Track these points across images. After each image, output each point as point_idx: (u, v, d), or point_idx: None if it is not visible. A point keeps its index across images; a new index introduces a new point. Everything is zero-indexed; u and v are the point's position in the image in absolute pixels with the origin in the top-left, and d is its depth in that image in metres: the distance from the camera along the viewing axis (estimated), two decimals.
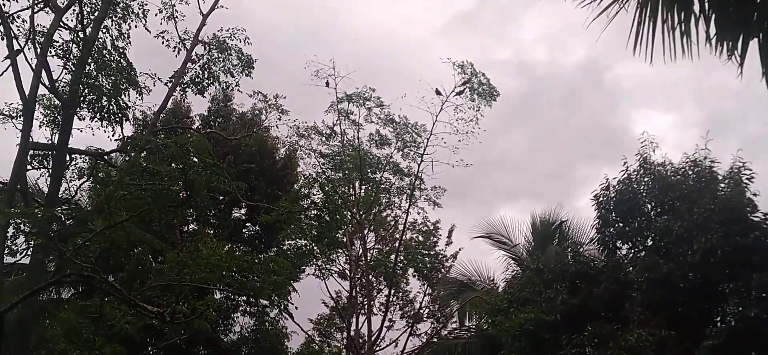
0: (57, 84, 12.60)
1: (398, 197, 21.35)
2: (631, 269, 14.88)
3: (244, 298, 18.91)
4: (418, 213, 21.44)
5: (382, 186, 20.39)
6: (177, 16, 15.59)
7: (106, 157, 15.23)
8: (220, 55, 16.20)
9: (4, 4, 12.16)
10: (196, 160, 11.59)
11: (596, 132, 38.31)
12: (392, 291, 19.66)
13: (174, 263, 11.59)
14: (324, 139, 20.35)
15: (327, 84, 19.52)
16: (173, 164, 11.39)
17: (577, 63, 37.89)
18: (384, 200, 21.48)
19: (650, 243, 14.94)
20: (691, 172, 14.74)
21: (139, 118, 19.20)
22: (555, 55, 38.10)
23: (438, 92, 19.35)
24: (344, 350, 19.68)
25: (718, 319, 13.24)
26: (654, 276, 13.28)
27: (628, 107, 39.07)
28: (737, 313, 12.41)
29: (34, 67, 12.09)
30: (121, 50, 13.30)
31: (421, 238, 21.30)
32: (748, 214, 13.30)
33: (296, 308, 18.80)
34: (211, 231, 21.38)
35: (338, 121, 19.91)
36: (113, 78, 13.02)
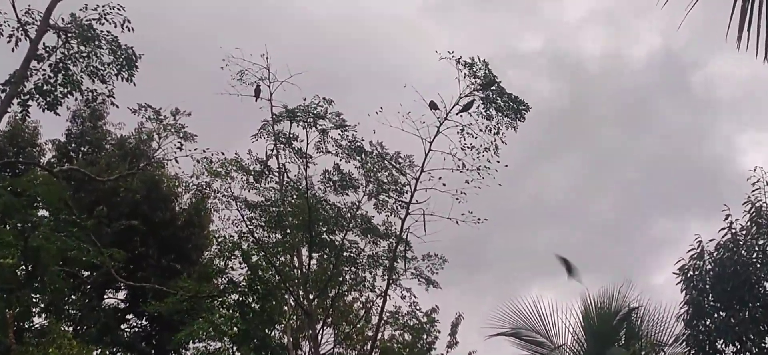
0: None
1: (371, 272, 21.19)
2: None
3: None
4: (403, 296, 21.24)
5: (346, 254, 20.38)
6: None
7: None
8: (83, 47, 15.50)
9: None
10: (45, 214, 10.56)
11: (680, 165, 37.90)
12: None
13: None
14: (252, 179, 20.25)
15: (256, 92, 20.00)
16: (6, 224, 10.43)
17: (647, 58, 38.01)
18: (348, 277, 21.26)
19: None
20: None
21: None
22: (613, 44, 38.64)
23: (434, 106, 19.21)
24: None
25: None
26: None
27: (730, 127, 39.23)
28: None
29: None
30: None
31: (407, 337, 21.15)
32: None
33: None
34: (71, 327, 21.20)
35: (275, 152, 20.02)
36: None
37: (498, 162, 19.51)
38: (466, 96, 19.39)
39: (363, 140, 20.15)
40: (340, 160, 20.34)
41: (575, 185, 37.39)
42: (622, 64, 34.87)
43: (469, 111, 19.61)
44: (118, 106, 17.21)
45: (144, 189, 22.48)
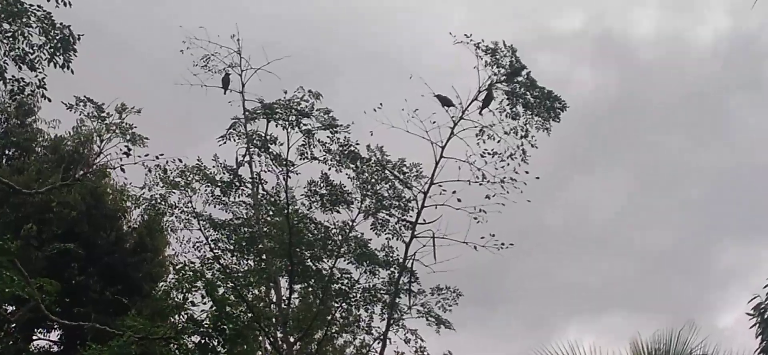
0: None
1: (367, 309, 21.33)
2: None
3: None
4: (408, 340, 21.37)
5: (336, 286, 20.70)
6: None
7: None
8: (7, 26, 15.69)
9: None
10: None
11: (754, 180, 36.94)
12: None
13: None
14: (218, 192, 20.55)
15: (224, 83, 20.53)
16: None
17: (713, 43, 37.13)
18: (339, 315, 21.41)
19: None
20: None
21: None
22: (671, 26, 38.15)
23: (446, 103, 19.50)
24: None
25: None
26: None
27: None
28: None
29: None
30: None
31: None
32: None
33: None
34: None
35: (247, 158, 20.33)
36: None
37: (526, 173, 19.60)
38: (487, 89, 19.58)
39: (358, 144, 20.22)
40: (330, 168, 20.46)
41: (623, 203, 37.42)
42: (683, 50, 34.53)
43: (491, 108, 19.82)
44: (50, 100, 17.00)
45: (83, 204, 22.24)
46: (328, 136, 20.17)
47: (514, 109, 19.83)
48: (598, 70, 35.10)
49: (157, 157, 18.85)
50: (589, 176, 35.88)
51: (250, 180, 20.85)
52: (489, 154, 19.72)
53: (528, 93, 19.76)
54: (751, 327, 17.01)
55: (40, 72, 16.23)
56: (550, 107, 19.73)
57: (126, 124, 18.42)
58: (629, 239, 37.92)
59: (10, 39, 16.00)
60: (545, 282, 34.92)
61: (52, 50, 16.07)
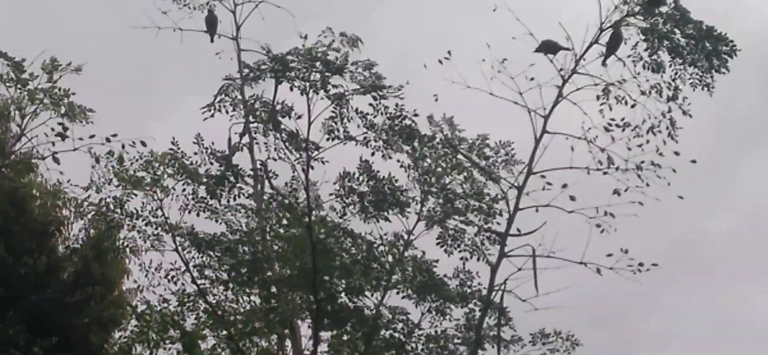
0: None
1: None
2: None
3: None
4: None
5: (384, 333, 19.95)
6: None
7: None
8: None
9: None
10: None
11: None
12: None
13: None
14: (203, 192, 19.69)
15: (209, 24, 20.14)
16: None
17: None
18: None
19: None
20: None
21: None
22: None
23: (550, 49, 18.12)
24: None
25: None
26: None
27: None
28: None
29: None
30: None
31: None
32: None
33: None
34: None
35: (245, 138, 19.70)
36: None
37: (676, 153, 18.33)
38: (614, 27, 18.40)
39: (417, 115, 19.17)
40: (374, 153, 19.49)
41: None
42: None
43: (619, 55, 18.47)
44: None
45: None
46: (370, 105, 18.84)
47: (655, 57, 18.45)
48: None
49: (108, 140, 17.28)
50: None
51: (252, 173, 19.93)
52: (618, 126, 18.45)
53: (677, 31, 18.42)
54: None
55: None
56: (712, 51, 18.31)
57: (59, 89, 18.45)
58: None
59: None
60: (711, 320, 33.61)
61: None
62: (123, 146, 17.83)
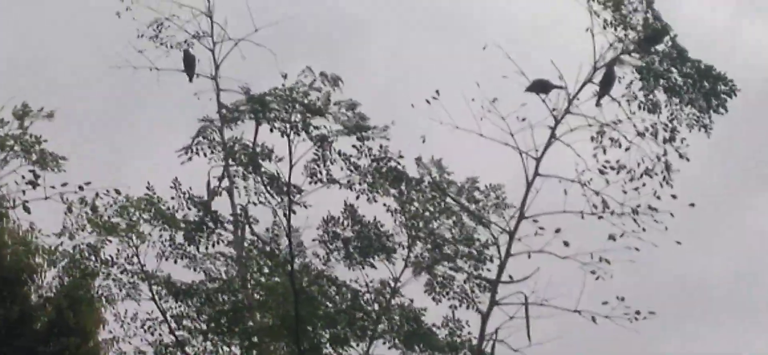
0: None
1: None
2: None
3: None
4: None
5: None
6: None
7: None
8: None
9: None
10: None
11: None
12: None
13: None
14: (181, 239, 19.54)
15: (186, 63, 20.09)
16: None
17: None
18: None
19: None
20: None
21: None
22: None
23: (542, 88, 18.13)
24: None
25: None
26: None
27: None
28: None
29: None
30: None
31: None
32: None
33: None
34: None
35: (224, 182, 19.74)
36: None
37: (673, 197, 18.14)
38: (608, 66, 18.38)
39: (402, 157, 18.92)
40: (358, 196, 19.39)
41: None
42: None
43: (614, 94, 18.50)
44: None
45: None
46: (354, 146, 18.57)
47: (651, 97, 18.38)
48: None
49: (81, 188, 18.01)
50: None
51: (232, 218, 19.86)
52: (613, 168, 18.25)
53: (674, 69, 18.41)
54: None
55: None
56: (711, 91, 18.35)
57: (30, 136, 18.09)
58: None
59: None
60: None
61: None
62: (96, 195, 18.29)
